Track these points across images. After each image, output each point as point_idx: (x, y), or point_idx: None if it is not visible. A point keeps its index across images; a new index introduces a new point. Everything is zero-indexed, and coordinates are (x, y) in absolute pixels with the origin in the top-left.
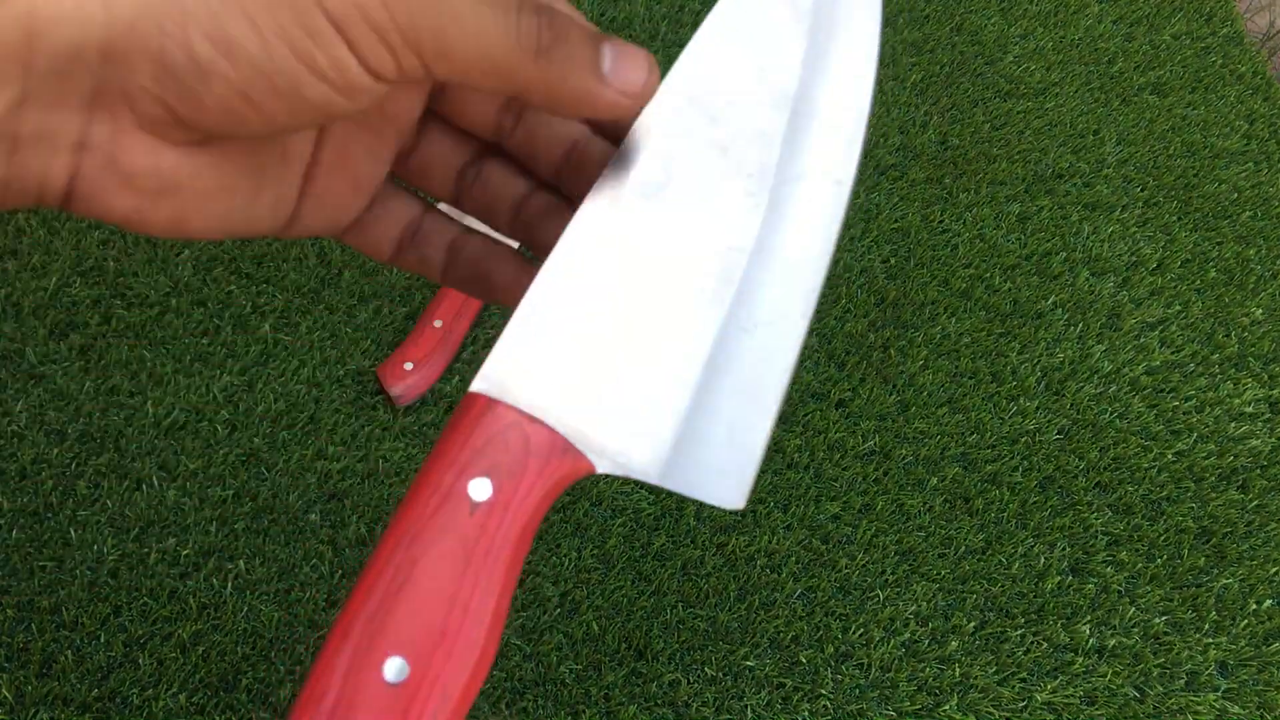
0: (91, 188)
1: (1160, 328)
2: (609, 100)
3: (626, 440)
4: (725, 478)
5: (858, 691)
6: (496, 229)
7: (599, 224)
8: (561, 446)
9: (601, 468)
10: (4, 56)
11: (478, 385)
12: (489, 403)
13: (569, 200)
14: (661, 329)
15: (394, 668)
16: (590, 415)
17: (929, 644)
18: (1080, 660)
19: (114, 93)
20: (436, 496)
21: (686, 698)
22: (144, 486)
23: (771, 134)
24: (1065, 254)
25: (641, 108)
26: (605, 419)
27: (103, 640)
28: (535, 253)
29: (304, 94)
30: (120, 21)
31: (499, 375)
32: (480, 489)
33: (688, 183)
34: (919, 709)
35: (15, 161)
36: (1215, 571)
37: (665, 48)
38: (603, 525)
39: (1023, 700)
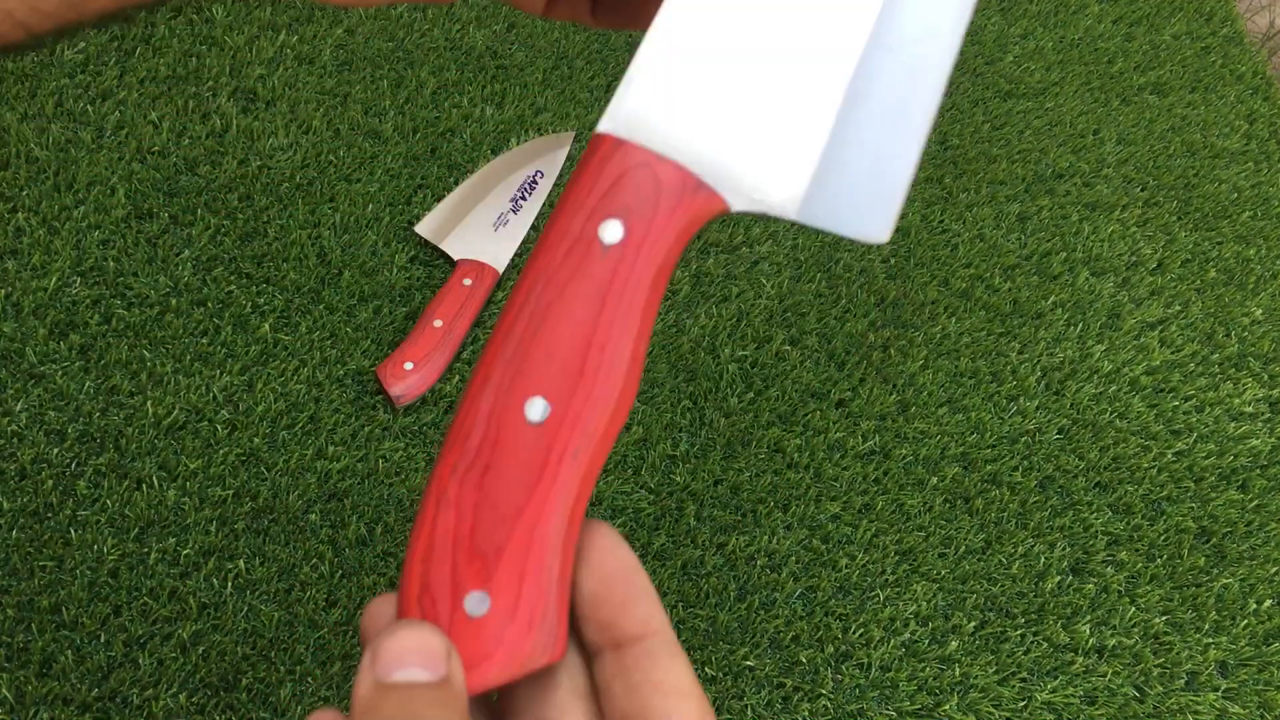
0: None
1: (1160, 328)
2: None
3: (763, 175)
4: (869, 209)
5: (858, 691)
6: None
7: None
8: (694, 185)
9: (737, 206)
10: None
11: (604, 125)
12: (616, 143)
13: None
14: (798, 54)
15: (536, 408)
16: (724, 151)
17: (929, 644)
18: (1080, 660)
19: None
20: (567, 240)
21: None
22: (144, 486)
23: None
24: (1065, 254)
25: None
26: (740, 154)
27: (103, 640)
28: None
29: None
30: None
31: (625, 114)
32: (611, 231)
33: None
34: (919, 709)
35: None
36: (1215, 571)
37: None
38: None
39: (1023, 700)
